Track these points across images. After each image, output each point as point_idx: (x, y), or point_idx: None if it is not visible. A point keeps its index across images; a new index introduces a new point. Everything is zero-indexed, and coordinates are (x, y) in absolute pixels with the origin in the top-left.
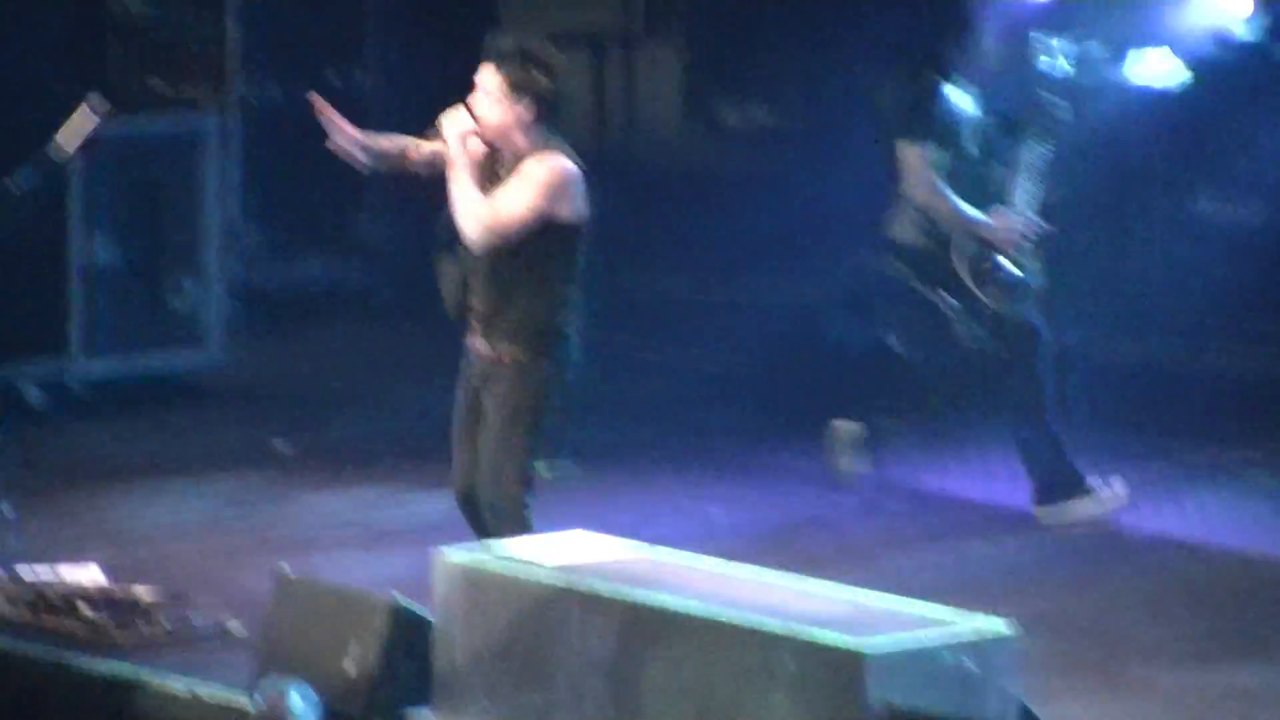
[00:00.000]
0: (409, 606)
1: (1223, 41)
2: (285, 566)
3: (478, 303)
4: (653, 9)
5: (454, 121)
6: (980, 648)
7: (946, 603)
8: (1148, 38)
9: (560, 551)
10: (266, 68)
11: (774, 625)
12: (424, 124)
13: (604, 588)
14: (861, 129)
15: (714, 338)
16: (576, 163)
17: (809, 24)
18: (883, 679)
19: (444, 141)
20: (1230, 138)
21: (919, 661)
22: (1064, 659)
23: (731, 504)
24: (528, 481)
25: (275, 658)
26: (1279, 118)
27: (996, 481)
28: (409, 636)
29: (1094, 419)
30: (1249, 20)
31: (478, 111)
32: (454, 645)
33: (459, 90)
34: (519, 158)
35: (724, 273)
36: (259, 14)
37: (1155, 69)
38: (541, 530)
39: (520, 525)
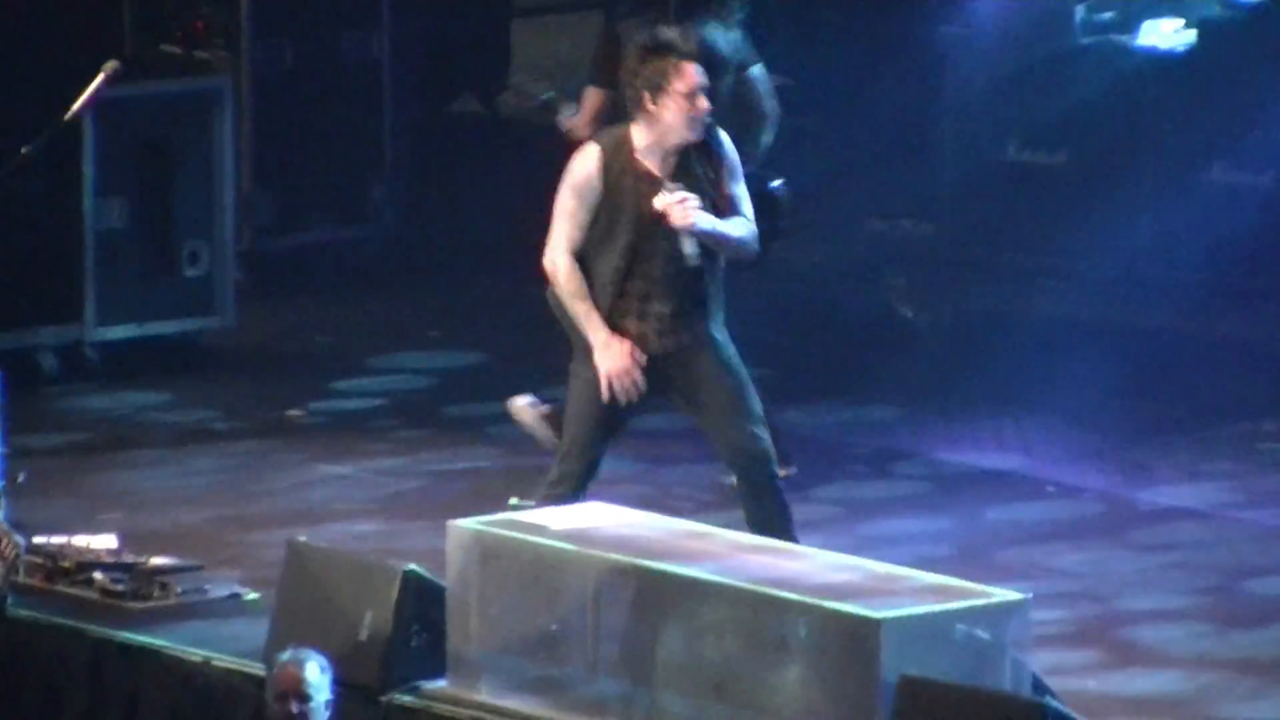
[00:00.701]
0: (424, 575)
1: (1230, 4)
2: (300, 536)
3: (667, 307)
4: None
5: (683, 214)
6: (993, 618)
7: (959, 573)
8: (1160, 5)
9: (575, 521)
10: (280, 32)
11: (788, 595)
12: (438, 89)
13: (619, 557)
14: (861, 95)
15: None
16: None
17: None
18: (896, 648)
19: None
20: (1238, 100)
21: (932, 630)
22: (1077, 630)
23: None
24: None
25: (290, 627)
26: None
27: (1009, 451)
28: (424, 606)
29: (1107, 389)
30: None
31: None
32: (469, 615)
33: (474, 57)
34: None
35: None
36: None
37: (1164, 33)
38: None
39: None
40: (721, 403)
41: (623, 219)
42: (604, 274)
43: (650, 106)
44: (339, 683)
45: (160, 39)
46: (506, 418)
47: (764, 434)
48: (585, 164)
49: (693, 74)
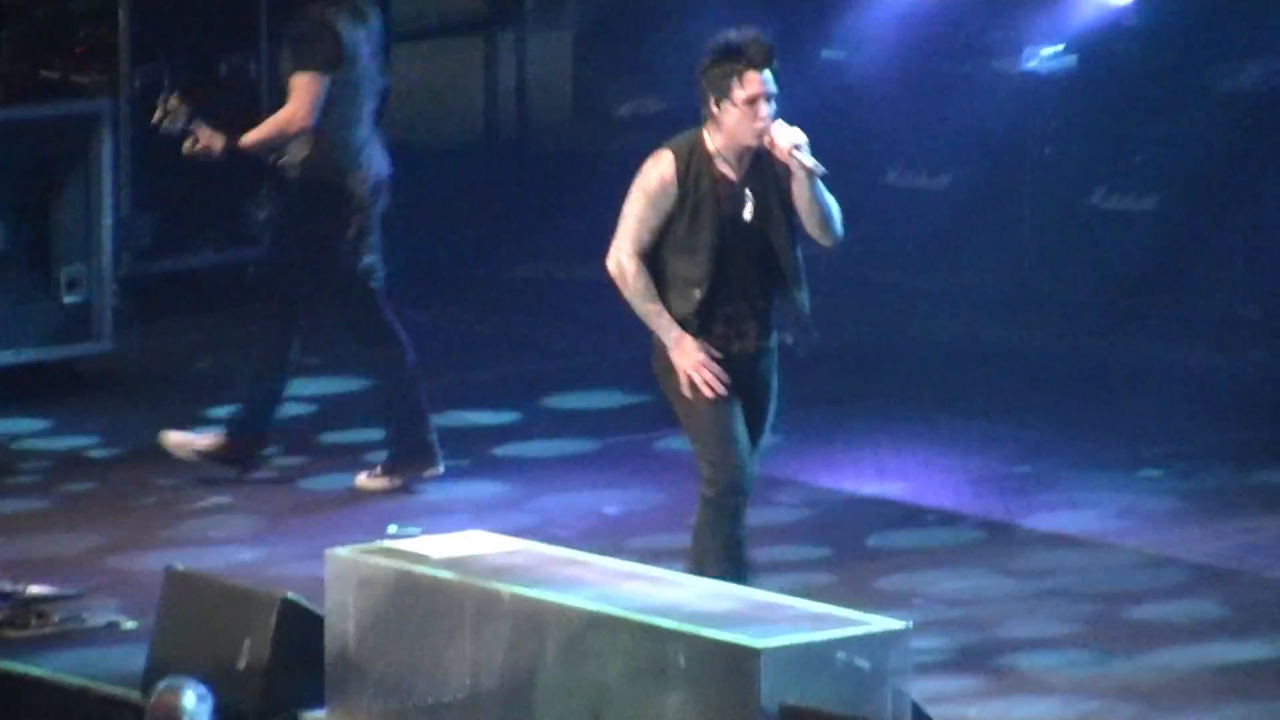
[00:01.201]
0: (302, 604)
1: (1111, 29)
2: (179, 563)
3: (761, 304)
4: None
5: (787, 136)
6: (873, 646)
7: (840, 601)
8: (1044, 32)
9: (454, 549)
10: (159, 56)
11: (668, 623)
12: None
13: (497, 586)
14: None
15: (603, 322)
16: None
17: (696, 9)
18: (776, 676)
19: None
20: (1122, 124)
21: (812, 659)
22: (958, 658)
23: (627, 500)
24: None
25: (169, 655)
26: (1172, 105)
27: (889, 478)
28: (301, 633)
29: (987, 414)
30: (1135, 6)
31: (775, 116)
32: (347, 643)
33: None
34: (747, 151)
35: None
36: (151, 1)
37: (1045, 58)
38: (441, 530)
39: None
40: (763, 421)
41: (703, 222)
42: (690, 278)
43: (714, 110)
44: (218, 711)
45: (39, 64)
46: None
47: (754, 468)
48: (660, 169)
49: (755, 81)
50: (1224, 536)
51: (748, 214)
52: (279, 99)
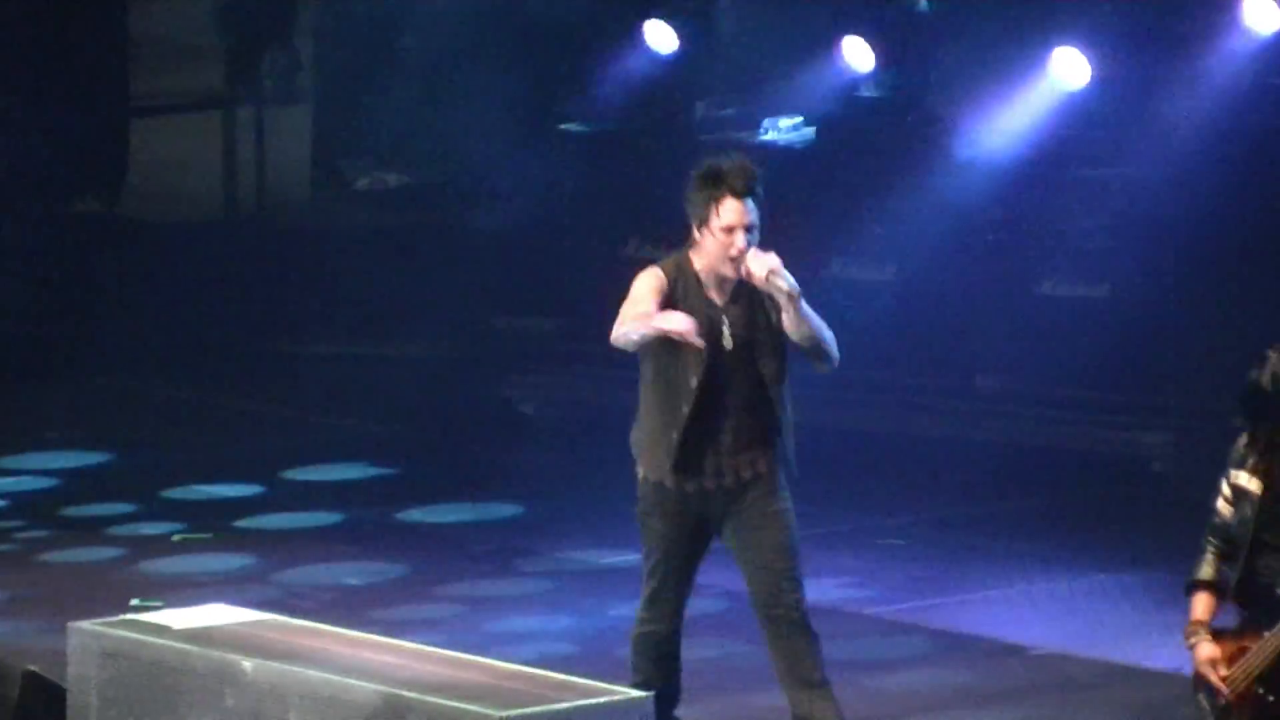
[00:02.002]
0: (44, 676)
1: (849, 100)
2: None
3: (732, 437)
4: (280, 73)
5: (762, 264)
6: (616, 716)
7: (582, 670)
8: (781, 103)
9: (196, 621)
10: None
11: (411, 694)
12: (58, 188)
13: (239, 657)
14: (490, 187)
15: (345, 395)
16: None
17: (433, 86)
18: None
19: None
20: (861, 195)
21: None
22: None
23: (369, 572)
24: None
25: None
26: (909, 175)
27: (630, 547)
28: (44, 706)
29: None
30: (874, 77)
31: (758, 245)
32: (89, 715)
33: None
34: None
35: (352, 330)
36: None
37: (783, 129)
38: (184, 603)
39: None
40: (765, 551)
41: (686, 346)
42: (672, 400)
43: (697, 235)
44: None
45: None
46: None
47: (795, 589)
48: (653, 274)
49: (734, 210)
50: (967, 604)
51: (728, 343)
52: (20, 175)
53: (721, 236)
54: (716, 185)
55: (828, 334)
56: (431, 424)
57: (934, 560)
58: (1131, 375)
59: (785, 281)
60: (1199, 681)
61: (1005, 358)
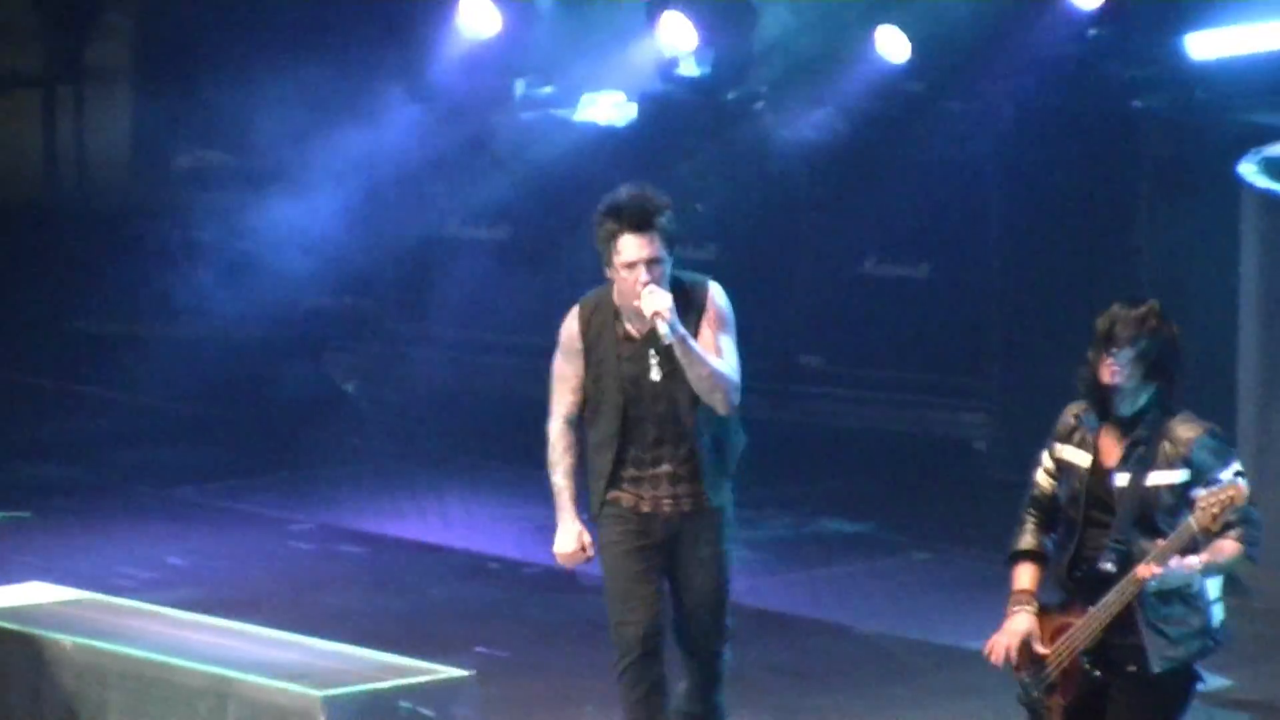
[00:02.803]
0: None
1: (670, 78)
2: None
3: (670, 466)
4: (100, 53)
5: (653, 302)
6: (437, 694)
7: (403, 649)
8: (601, 80)
9: (15, 600)
10: None
11: (231, 673)
12: None
13: (59, 635)
14: (313, 170)
15: (160, 376)
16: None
17: (252, 67)
18: None
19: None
20: (681, 174)
21: (376, 708)
22: (523, 704)
23: (190, 551)
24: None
25: None
26: (730, 154)
27: (452, 527)
28: None
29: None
30: (695, 54)
31: (660, 282)
32: None
33: None
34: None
35: (173, 311)
36: None
37: (605, 109)
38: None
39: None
40: (694, 596)
41: (606, 382)
42: (602, 437)
43: (608, 271)
44: None
45: None
46: None
47: (718, 640)
48: (569, 324)
49: (631, 246)
50: (789, 584)
51: (655, 375)
52: None
53: (624, 273)
54: (615, 221)
55: (724, 378)
56: (252, 403)
57: (756, 541)
58: (952, 355)
59: (663, 327)
60: (1021, 660)
61: (827, 338)
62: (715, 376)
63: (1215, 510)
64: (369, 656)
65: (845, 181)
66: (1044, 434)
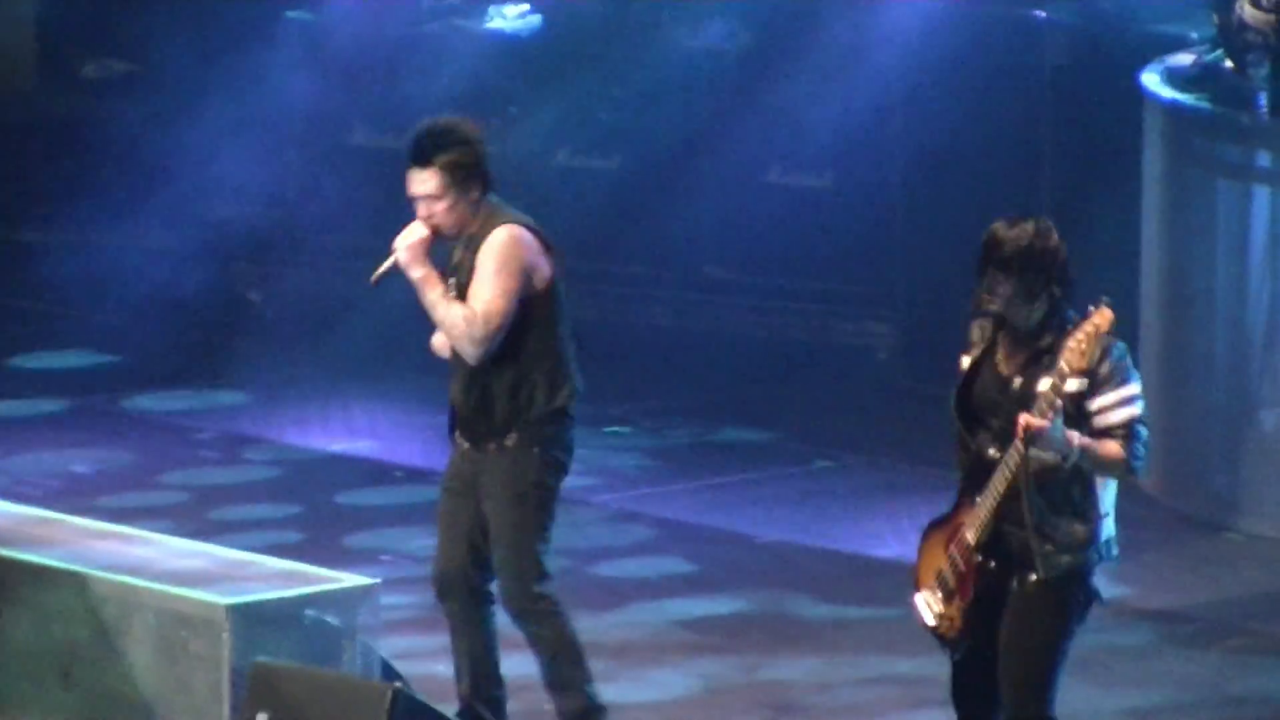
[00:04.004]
0: None
1: None
2: None
3: (460, 405)
4: None
5: (405, 236)
6: (343, 603)
7: (309, 558)
8: None
9: None
10: None
11: (135, 581)
12: None
13: None
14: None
15: (73, 284)
16: (524, 221)
17: None
18: (244, 633)
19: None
20: (587, 83)
21: (281, 616)
22: (428, 615)
23: (96, 460)
24: (543, 574)
25: None
26: (634, 62)
27: (358, 435)
28: None
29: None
30: None
31: (431, 219)
32: None
33: None
34: (471, 240)
35: (81, 220)
36: None
37: (509, 17)
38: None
39: (555, 621)
40: (494, 530)
41: None
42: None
43: None
44: None
45: None
46: None
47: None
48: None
49: (410, 182)
50: (691, 493)
51: None
52: None
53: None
54: (458, 136)
55: (454, 325)
56: (158, 312)
57: (658, 450)
58: (855, 264)
59: (386, 264)
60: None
61: (731, 247)
62: (443, 323)
63: (1084, 345)
64: (274, 565)
65: (749, 90)
66: (947, 343)
